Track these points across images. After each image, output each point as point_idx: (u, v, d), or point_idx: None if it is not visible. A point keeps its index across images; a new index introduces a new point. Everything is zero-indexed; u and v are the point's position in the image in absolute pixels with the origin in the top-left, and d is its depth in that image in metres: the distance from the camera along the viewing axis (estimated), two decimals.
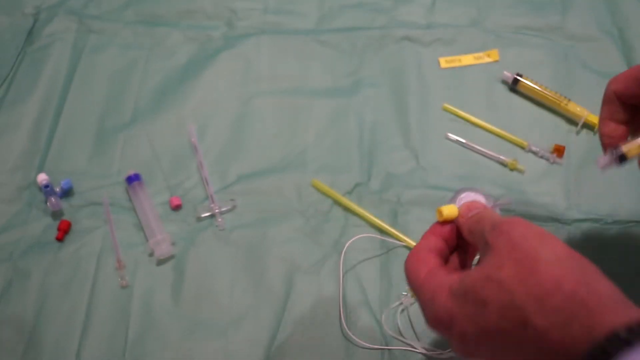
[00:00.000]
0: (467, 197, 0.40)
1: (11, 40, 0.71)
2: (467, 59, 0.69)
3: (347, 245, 0.56)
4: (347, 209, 0.60)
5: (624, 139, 0.42)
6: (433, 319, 0.32)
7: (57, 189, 0.60)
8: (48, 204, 0.58)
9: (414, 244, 0.56)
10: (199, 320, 0.54)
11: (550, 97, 0.64)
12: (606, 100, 0.42)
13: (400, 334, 0.52)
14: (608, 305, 0.26)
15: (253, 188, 0.61)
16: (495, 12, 0.73)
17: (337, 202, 0.60)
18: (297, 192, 0.61)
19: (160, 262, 0.57)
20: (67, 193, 0.60)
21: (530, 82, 0.65)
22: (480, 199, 0.40)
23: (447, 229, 0.38)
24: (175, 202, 0.59)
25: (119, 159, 0.63)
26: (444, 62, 0.69)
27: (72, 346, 0.52)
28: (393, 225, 0.58)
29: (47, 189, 0.59)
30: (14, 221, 0.59)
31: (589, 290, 0.27)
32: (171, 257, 0.57)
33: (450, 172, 0.62)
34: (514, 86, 0.66)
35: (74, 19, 0.73)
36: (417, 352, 0.51)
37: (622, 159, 0.40)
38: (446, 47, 0.70)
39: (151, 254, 0.57)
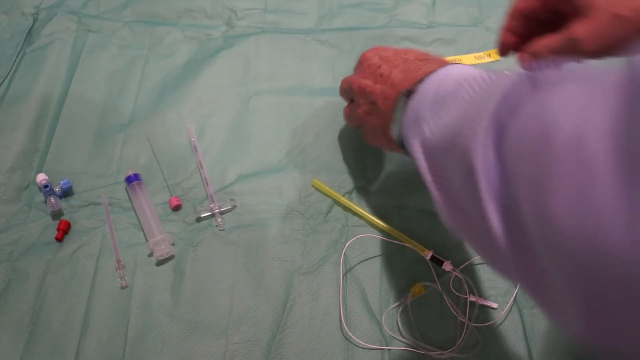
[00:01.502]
0: None
1: (10, 39, 0.71)
2: (468, 59, 0.69)
3: (347, 245, 0.56)
4: (347, 209, 0.59)
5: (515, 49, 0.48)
6: None
7: (57, 189, 0.59)
8: (47, 204, 0.58)
9: (414, 244, 0.56)
10: (198, 320, 0.54)
11: None
12: (509, 15, 0.48)
13: (400, 334, 0.52)
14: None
15: (253, 188, 0.61)
16: (497, 11, 0.72)
17: (337, 202, 0.60)
18: (297, 192, 0.60)
19: (160, 263, 0.57)
20: (66, 193, 0.60)
21: None
22: None
23: None
24: (175, 202, 0.59)
25: (119, 159, 0.63)
26: None
27: (72, 346, 0.52)
28: (393, 226, 0.58)
29: (46, 189, 0.59)
30: (13, 221, 0.59)
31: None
32: (171, 257, 0.57)
33: None
34: None
35: (73, 19, 0.73)
36: (417, 352, 0.51)
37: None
38: (447, 46, 0.70)
39: (151, 254, 0.57)
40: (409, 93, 0.45)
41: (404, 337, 0.52)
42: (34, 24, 0.72)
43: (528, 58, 0.45)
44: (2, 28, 0.72)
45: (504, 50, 0.49)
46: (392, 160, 0.62)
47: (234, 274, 0.56)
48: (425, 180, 0.41)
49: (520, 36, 0.48)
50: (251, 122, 0.65)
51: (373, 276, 0.56)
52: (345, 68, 0.69)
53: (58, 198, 0.59)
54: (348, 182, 0.61)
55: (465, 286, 0.54)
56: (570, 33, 0.41)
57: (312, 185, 0.61)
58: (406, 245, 0.57)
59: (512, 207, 0.28)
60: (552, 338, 0.52)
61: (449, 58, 0.69)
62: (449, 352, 0.51)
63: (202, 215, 0.59)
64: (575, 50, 0.41)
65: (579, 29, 0.41)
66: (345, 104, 0.59)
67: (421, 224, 0.58)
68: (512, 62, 0.68)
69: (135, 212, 0.59)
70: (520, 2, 0.47)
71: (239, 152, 0.63)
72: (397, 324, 0.53)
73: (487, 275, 0.55)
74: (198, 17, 0.73)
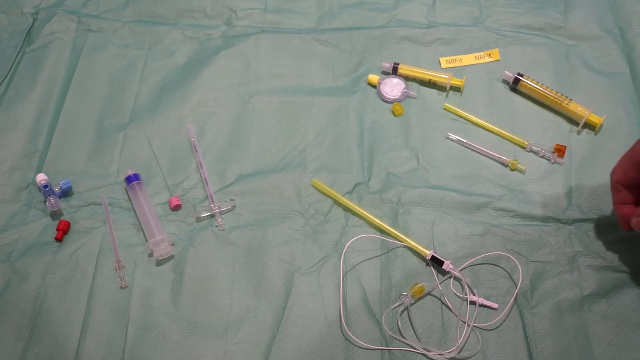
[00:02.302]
0: None
1: (10, 39, 0.71)
2: (468, 59, 0.69)
3: (347, 245, 0.56)
4: (347, 209, 0.59)
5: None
6: None
7: (56, 189, 0.59)
8: (47, 204, 0.58)
9: (414, 244, 0.56)
10: (198, 320, 0.53)
11: (551, 97, 0.64)
12: (613, 190, 0.49)
13: (401, 334, 0.52)
14: None
15: (253, 188, 0.61)
16: (497, 11, 0.72)
17: (337, 202, 0.60)
18: (297, 192, 0.60)
19: (160, 263, 0.57)
20: (66, 193, 0.60)
21: (531, 81, 0.65)
22: None
23: None
24: (175, 202, 0.59)
25: (118, 159, 0.63)
26: (444, 62, 0.69)
27: (71, 346, 0.52)
28: (393, 226, 0.58)
29: (46, 189, 0.59)
30: (12, 221, 0.59)
31: None
32: (170, 257, 0.57)
33: (451, 172, 0.61)
34: (514, 86, 0.66)
35: (73, 18, 0.73)
36: (417, 352, 0.51)
37: None
38: (447, 46, 0.70)
39: (150, 255, 0.57)
40: None
41: (404, 338, 0.52)
42: (33, 23, 0.72)
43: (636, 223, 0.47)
44: (2, 28, 0.72)
45: (626, 225, 0.50)
46: (393, 160, 0.62)
47: (233, 274, 0.56)
48: None
49: (635, 203, 0.49)
50: (251, 122, 0.65)
51: (373, 276, 0.55)
52: (346, 68, 0.69)
53: (58, 198, 0.59)
54: (348, 182, 0.61)
55: (466, 286, 0.54)
56: None
57: (312, 185, 0.61)
58: (406, 245, 0.57)
59: None
60: (552, 338, 0.52)
61: (449, 58, 0.69)
62: (449, 352, 0.51)
63: (202, 215, 0.59)
64: None
65: None
66: None
67: (421, 224, 0.58)
68: (512, 61, 0.69)
69: (135, 212, 0.59)
70: (616, 175, 0.49)
71: (238, 152, 0.63)
72: (397, 324, 0.53)
73: (487, 275, 0.55)
74: (198, 17, 0.73)
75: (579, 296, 0.54)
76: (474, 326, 0.52)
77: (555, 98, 0.64)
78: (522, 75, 0.65)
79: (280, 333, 0.53)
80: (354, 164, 0.62)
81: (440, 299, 0.54)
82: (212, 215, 0.59)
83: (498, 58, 0.69)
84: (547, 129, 0.64)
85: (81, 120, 0.65)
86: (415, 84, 0.68)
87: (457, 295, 0.54)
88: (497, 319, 0.53)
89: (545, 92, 0.64)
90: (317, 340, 0.52)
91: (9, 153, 0.63)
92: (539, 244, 0.57)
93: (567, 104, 0.63)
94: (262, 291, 0.55)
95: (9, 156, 0.63)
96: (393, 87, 0.67)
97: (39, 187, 0.60)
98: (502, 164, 0.62)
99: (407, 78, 0.68)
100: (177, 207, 0.60)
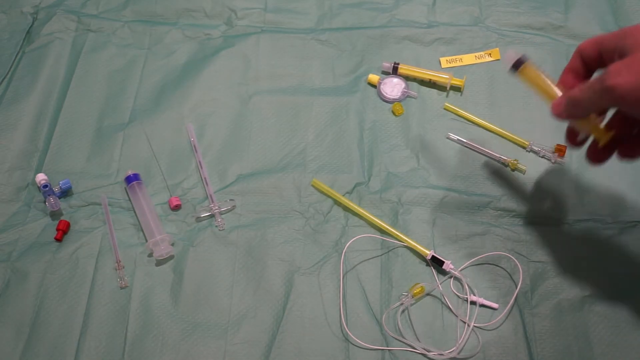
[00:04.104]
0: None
1: (9, 39, 0.71)
2: (468, 59, 0.69)
3: (347, 245, 0.56)
4: (347, 209, 0.59)
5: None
6: None
7: (56, 189, 0.59)
8: (47, 204, 0.58)
9: (414, 244, 0.56)
10: (198, 320, 0.53)
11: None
12: (573, 55, 0.46)
13: (401, 334, 0.52)
14: None
15: (253, 188, 0.61)
16: (497, 10, 0.72)
17: (337, 202, 0.60)
18: (297, 192, 0.60)
19: (160, 263, 0.57)
20: (65, 193, 0.60)
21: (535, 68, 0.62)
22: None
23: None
24: (175, 202, 0.59)
25: (118, 159, 0.63)
26: (444, 62, 0.69)
27: (71, 347, 0.52)
28: (393, 226, 0.58)
29: (45, 189, 0.59)
30: (12, 221, 0.59)
31: None
32: (170, 257, 0.57)
33: (451, 172, 0.61)
34: (514, 70, 0.51)
35: (73, 18, 0.73)
36: (417, 352, 0.51)
37: (517, 64, 0.47)
38: (447, 46, 0.70)
39: (150, 255, 0.57)
40: None
41: (404, 338, 0.52)
42: (33, 23, 0.72)
43: (558, 104, 0.44)
44: (2, 27, 0.72)
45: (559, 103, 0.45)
46: (393, 160, 0.62)
47: (233, 274, 0.56)
48: None
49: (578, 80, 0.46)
50: (251, 122, 0.65)
51: (373, 276, 0.55)
52: (346, 68, 0.69)
53: (57, 198, 0.59)
54: (348, 182, 0.61)
55: (466, 286, 0.54)
56: (604, 74, 0.39)
57: (312, 185, 0.61)
58: (406, 245, 0.57)
59: None
60: (552, 338, 0.52)
61: (449, 58, 0.69)
62: (449, 352, 0.51)
63: (202, 215, 0.59)
64: (610, 99, 0.39)
65: (613, 69, 0.38)
66: None
67: (421, 224, 0.58)
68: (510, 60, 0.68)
69: (134, 212, 0.59)
70: (585, 43, 0.46)
71: (238, 152, 0.63)
72: (397, 324, 0.53)
73: (487, 275, 0.55)
74: (198, 16, 0.73)
75: (579, 296, 0.54)
76: (474, 326, 0.52)
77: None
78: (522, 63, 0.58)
79: (280, 333, 0.53)
80: (354, 164, 0.62)
81: (440, 299, 0.54)
82: (212, 215, 0.59)
83: (498, 58, 0.69)
84: (547, 129, 0.64)
85: (81, 120, 0.65)
86: (415, 84, 0.68)
87: (457, 296, 0.54)
88: (498, 319, 0.53)
89: (544, 85, 0.59)
90: (317, 340, 0.52)
91: (9, 153, 0.63)
92: (539, 244, 0.56)
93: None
94: (262, 291, 0.55)
95: (9, 156, 0.63)
96: (393, 87, 0.67)
97: (38, 187, 0.60)
98: (503, 164, 0.62)
99: (407, 78, 0.68)
100: (177, 207, 0.60)
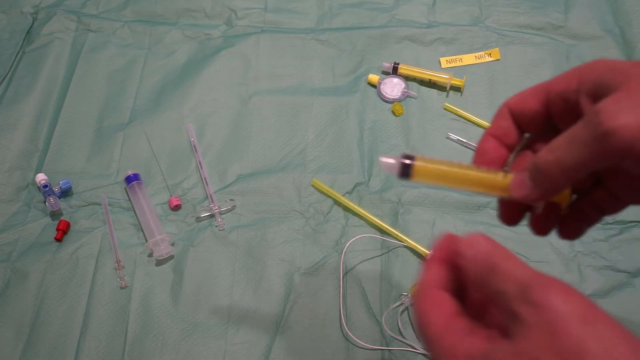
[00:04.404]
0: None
1: (9, 39, 0.71)
2: (468, 59, 0.69)
3: (347, 245, 0.56)
4: (347, 209, 0.59)
5: (499, 165, 0.33)
6: None
7: (56, 189, 0.59)
8: (47, 204, 0.58)
9: (414, 244, 0.56)
10: (198, 320, 0.53)
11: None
12: (497, 115, 0.34)
13: (401, 334, 0.52)
14: None
15: (253, 188, 0.61)
16: (497, 10, 0.72)
17: (337, 202, 0.60)
18: (297, 192, 0.60)
19: (160, 263, 0.57)
20: (65, 193, 0.60)
21: None
22: None
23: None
24: (175, 202, 0.59)
25: (118, 159, 0.63)
26: (444, 62, 0.69)
27: (71, 346, 0.52)
28: (393, 226, 0.58)
29: (45, 189, 0.59)
30: (12, 221, 0.59)
31: None
32: (170, 257, 0.57)
33: None
34: (406, 176, 0.34)
35: (73, 18, 0.73)
36: (417, 352, 0.51)
37: (405, 172, 0.31)
38: (447, 46, 0.70)
39: (150, 255, 0.57)
40: None
41: (404, 338, 0.52)
42: (33, 23, 0.72)
43: (522, 183, 0.30)
44: (2, 27, 0.72)
45: (480, 158, 0.33)
46: None
47: (233, 274, 0.56)
48: None
49: (508, 147, 0.33)
50: (251, 122, 0.65)
51: (373, 276, 0.55)
52: (346, 68, 0.69)
53: (57, 198, 0.59)
54: (348, 182, 0.61)
55: None
56: (595, 117, 0.25)
57: (312, 185, 0.61)
58: (406, 245, 0.57)
59: None
60: None
61: (449, 58, 0.69)
62: None
63: (202, 215, 0.59)
64: (609, 151, 0.25)
65: (603, 102, 0.25)
66: None
67: (421, 224, 0.58)
68: (513, 61, 0.68)
69: (134, 212, 0.59)
70: (512, 99, 0.33)
71: (238, 152, 0.63)
72: (397, 324, 0.53)
73: None
74: (198, 16, 0.73)
75: None
76: None
77: None
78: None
79: (280, 333, 0.53)
80: (354, 164, 0.62)
81: None
82: (212, 215, 0.59)
83: (498, 57, 0.69)
84: None
85: (81, 120, 0.65)
86: (415, 84, 0.68)
87: None
88: None
89: None
90: (317, 340, 0.52)
91: (9, 153, 0.63)
92: (539, 244, 0.56)
93: None
94: (262, 291, 0.55)
95: (9, 156, 0.63)
96: (393, 87, 0.67)
97: (38, 187, 0.60)
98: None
99: (407, 78, 0.68)
100: (177, 207, 0.60)
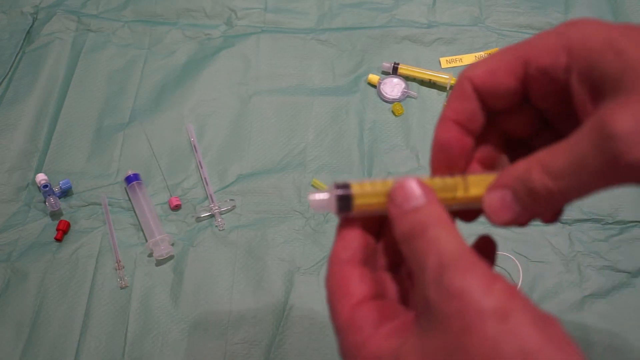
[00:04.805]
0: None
1: (9, 39, 0.71)
2: (468, 59, 0.69)
3: None
4: None
5: (464, 160, 0.26)
6: None
7: (56, 189, 0.59)
8: (47, 204, 0.58)
9: None
10: (198, 320, 0.53)
11: None
12: (456, 94, 0.26)
13: None
14: None
15: (253, 188, 0.61)
16: (497, 10, 0.72)
17: None
18: (297, 192, 0.60)
19: (160, 263, 0.57)
20: (66, 193, 0.60)
21: None
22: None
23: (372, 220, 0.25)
24: (175, 202, 0.59)
25: (118, 159, 0.63)
26: (444, 62, 0.69)
27: (71, 347, 0.52)
28: None
29: (45, 189, 0.59)
30: (12, 221, 0.59)
31: None
32: (170, 257, 0.57)
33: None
34: (345, 209, 0.27)
35: (73, 18, 0.73)
36: None
37: (345, 204, 0.25)
38: (447, 46, 0.70)
39: (150, 255, 0.57)
40: None
41: None
42: (33, 23, 0.72)
43: (503, 205, 0.24)
44: (2, 27, 0.72)
45: (442, 154, 0.27)
46: (393, 160, 0.62)
47: (233, 274, 0.56)
48: None
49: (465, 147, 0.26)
50: (251, 122, 0.65)
51: None
52: (346, 68, 0.69)
53: (57, 198, 0.59)
54: None
55: None
56: (609, 141, 0.20)
57: (312, 185, 0.61)
58: None
59: None
60: None
61: (449, 58, 0.69)
62: None
63: (202, 215, 0.59)
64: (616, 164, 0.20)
65: (618, 118, 0.19)
66: None
67: None
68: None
69: (134, 212, 0.59)
70: (477, 69, 0.25)
71: (238, 152, 0.63)
72: None
73: None
74: (198, 16, 0.73)
75: (579, 296, 0.54)
76: None
77: None
78: None
79: (280, 333, 0.53)
80: (354, 164, 0.62)
81: None
82: (212, 215, 0.59)
83: None
84: None
85: (81, 120, 0.65)
86: (415, 84, 0.68)
87: None
88: None
89: None
90: (317, 340, 0.52)
91: (9, 153, 0.63)
92: (539, 244, 0.56)
93: None
94: (262, 291, 0.55)
95: (9, 156, 0.63)
96: (393, 87, 0.67)
97: (38, 187, 0.60)
98: None
99: (407, 78, 0.68)
100: (177, 207, 0.60)
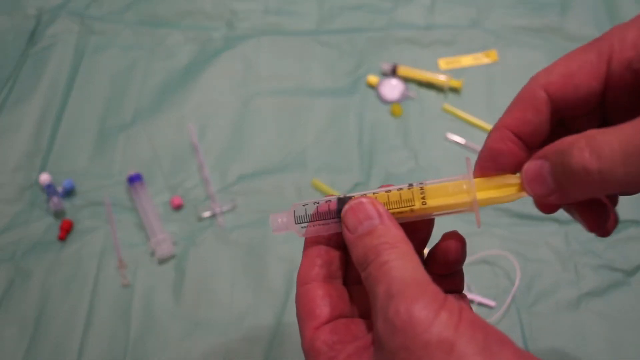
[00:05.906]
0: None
1: (13, 41, 0.71)
2: (467, 60, 0.70)
3: None
4: None
5: (511, 170, 0.25)
6: None
7: (59, 189, 0.60)
8: (50, 203, 0.59)
9: None
10: (199, 319, 0.54)
11: None
12: (522, 102, 0.25)
13: None
14: None
15: (253, 188, 0.61)
16: (495, 12, 0.73)
17: None
18: (297, 192, 0.61)
19: (161, 262, 0.57)
20: (69, 193, 0.61)
21: None
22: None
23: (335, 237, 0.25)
24: (176, 202, 0.60)
25: (121, 159, 0.63)
26: (443, 63, 0.69)
27: (74, 345, 0.53)
28: None
29: (49, 189, 0.59)
30: (16, 221, 0.59)
31: None
32: (172, 256, 0.58)
33: (450, 173, 0.61)
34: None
35: (76, 20, 0.73)
36: None
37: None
38: (446, 47, 0.70)
39: (152, 254, 0.57)
40: None
41: None
42: (37, 25, 0.73)
43: (536, 174, 0.22)
44: (6, 30, 0.73)
45: (489, 163, 0.26)
46: (392, 161, 0.63)
47: (234, 274, 0.56)
48: None
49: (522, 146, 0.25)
50: (252, 123, 0.66)
51: None
52: (345, 69, 0.70)
53: (61, 198, 0.59)
54: (348, 182, 0.61)
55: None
56: None
57: (312, 185, 0.61)
58: None
59: None
60: (549, 337, 0.52)
61: (448, 59, 0.70)
62: None
63: (203, 215, 0.60)
64: None
65: None
66: None
67: None
68: (510, 63, 0.69)
69: (137, 211, 0.60)
70: (549, 76, 0.24)
71: (239, 152, 0.64)
72: None
73: (485, 274, 0.56)
74: (199, 18, 0.74)
75: (576, 295, 0.54)
76: None
77: None
78: None
79: (280, 331, 0.53)
80: (353, 164, 0.63)
81: None
82: (213, 215, 0.60)
83: (496, 59, 0.69)
84: None
85: (84, 121, 0.66)
86: (414, 85, 0.68)
87: None
88: (495, 317, 0.53)
89: None
90: None
91: (13, 153, 0.63)
92: (536, 243, 0.57)
93: None
94: (262, 290, 0.55)
95: (13, 156, 0.63)
96: (392, 88, 0.67)
97: (42, 187, 0.60)
98: None
99: (406, 79, 0.68)
100: (178, 207, 0.60)
